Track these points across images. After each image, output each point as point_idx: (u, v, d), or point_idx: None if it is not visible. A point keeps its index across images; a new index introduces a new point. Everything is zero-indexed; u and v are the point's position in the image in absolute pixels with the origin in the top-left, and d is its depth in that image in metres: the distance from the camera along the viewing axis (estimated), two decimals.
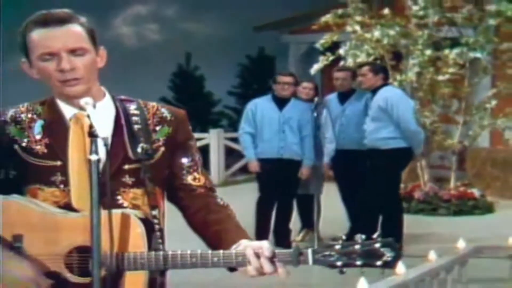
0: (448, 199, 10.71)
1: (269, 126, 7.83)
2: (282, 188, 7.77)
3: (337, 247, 2.18)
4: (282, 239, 7.79)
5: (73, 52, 2.23)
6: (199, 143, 10.06)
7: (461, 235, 5.58)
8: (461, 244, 5.41)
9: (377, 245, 2.17)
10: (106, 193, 2.11)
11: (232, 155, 15.14)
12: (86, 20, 2.30)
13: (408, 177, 11.06)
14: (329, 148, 8.04)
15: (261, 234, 7.25)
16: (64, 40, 2.22)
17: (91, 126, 2.08)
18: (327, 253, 2.18)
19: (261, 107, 7.95)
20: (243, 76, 31.25)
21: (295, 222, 8.34)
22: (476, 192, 10.98)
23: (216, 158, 14.48)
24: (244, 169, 13.07)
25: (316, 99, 7.89)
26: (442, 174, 11.86)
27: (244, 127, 7.98)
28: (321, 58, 11.45)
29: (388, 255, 2.16)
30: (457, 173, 11.49)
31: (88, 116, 2.12)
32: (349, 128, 7.96)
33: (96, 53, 2.30)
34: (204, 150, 13.79)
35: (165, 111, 2.41)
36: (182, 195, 2.41)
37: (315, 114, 7.67)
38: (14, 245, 2.23)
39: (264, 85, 21.61)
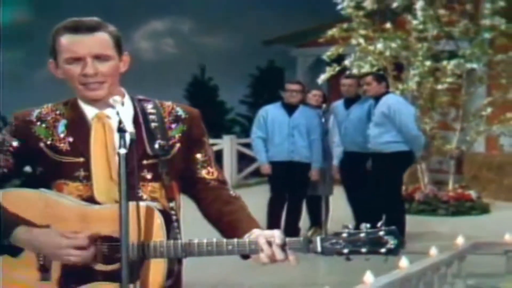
0: (447, 200, 10.67)
1: (280, 131, 7.84)
2: (292, 189, 7.77)
3: (344, 235, 2.19)
4: (292, 237, 7.75)
5: (97, 58, 2.24)
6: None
7: (459, 233, 5.57)
8: (460, 241, 5.41)
9: (381, 233, 2.18)
10: (133, 184, 2.14)
11: (244, 159, 15.14)
12: (115, 29, 2.31)
13: (409, 180, 11.05)
14: (337, 152, 8.05)
15: None
16: (90, 46, 2.24)
17: (120, 122, 2.09)
18: (334, 241, 2.18)
19: (271, 113, 7.96)
20: (254, 86, 31.29)
21: (303, 221, 8.33)
22: (473, 194, 10.93)
23: (229, 162, 14.49)
24: (256, 173, 13.07)
25: (324, 106, 7.91)
26: (441, 178, 11.83)
27: (256, 132, 7.99)
28: (328, 68, 11.55)
29: (391, 242, 2.17)
30: (455, 176, 11.47)
31: (118, 113, 2.13)
32: (352, 131, 7.96)
33: (119, 59, 2.31)
34: (218, 155, 13.79)
35: (179, 110, 2.42)
36: (197, 188, 2.42)
37: (323, 120, 7.70)
38: None
39: (274, 95, 21.63)
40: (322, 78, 11.61)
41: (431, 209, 10.57)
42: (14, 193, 2.30)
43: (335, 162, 8.12)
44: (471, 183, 11.91)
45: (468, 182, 11.92)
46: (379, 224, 2.20)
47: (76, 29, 2.25)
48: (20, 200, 2.27)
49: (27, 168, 2.38)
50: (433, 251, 4.98)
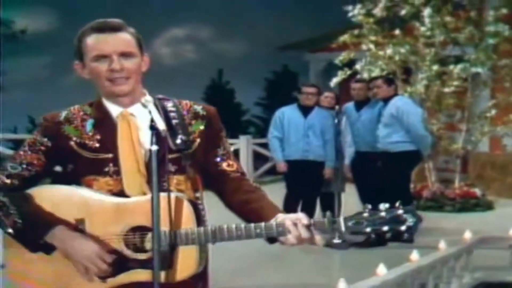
0: (453, 197, 10.62)
1: (295, 131, 7.82)
2: (307, 187, 7.75)
3: (365, 215, 2.19)
4: None
5: (122, 55, 2.28)
6: None
7: (465, 229, 5.55)
8: (467, 235, 5.39)
9: (400, 211, 2.18)
10: (160, 178, 2.14)
11: (259, 158, 15.15)
12: (135, 30, 2.35)
13: (417, 178, 11.02)
14: (349, 151, 8.02)
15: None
16: (116, 44, 2.28)
17: (152, 120, 2.12)
18: (356, 220, 2.18)
19: (288, 114, 7.95)
20: (269, 89, 31.34)
21: (316, 216, 8.32)
22: (478, 191, 10.88)
23: (245, 161, 14.48)
24: (270, 171, 13.06)
25: (336, 107, 7.90)
26: (447, 176, 11.77)
27: (272, 132, 7.98)
28: (340, 72, 11.56)
29: (410, 220, 2.17)
30: (460, 175, 11.41)
31: (150, 112, 2.15)
32: (363, 132, 7.93)
33: (141, 58, 2.34)
34: (235, 155, 13.75)
35: (198, 108, 2.44)
36: (219, 180, 2.42)
37: (336, 121, 7.69)
38: (78, 227, 2.26)
39: (287, 97, 21.64)
40: (334, 81, 11.64)
41: (438, 206, 10.52)
42: (48, 190, 2.31)
43: (347, 161, 8.09)
44: (475, 181, 11.86)
45: (473, 181, 11.86)
46: (396, 204, 2.19)
47: (101, 29, 2.29)
48: (54, 196, 2.28)
49: (57, 168, 2.40)
50: (442, 245, 4.97)
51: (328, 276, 5.80)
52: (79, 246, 2.22)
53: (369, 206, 2.19)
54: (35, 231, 2.23)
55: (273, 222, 2.21)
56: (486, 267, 5.53)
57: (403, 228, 2.17)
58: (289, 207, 7.73)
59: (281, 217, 2.23)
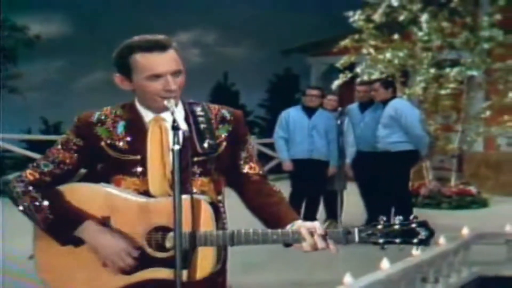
0: (450, 195, 10.63)
1: (300, 131, 7.82)
2: (311, 185, 7.75)
3: (379, 227, 2.19)
4: None
5: (174, 74, 2.25)
6: None
7: (461, 225, 5.55)
8: (465, 231, 5.39)
9: (414, 225, 2.17)
10: (185, 179, 2.15)
11: (263, 158, 15.15)
12: (175, 44, 2.31)
13: (415, 177, 11.00)
14: (350, 151, 8.00)
15: None
16: (169, 65, 2.24)
17: (174, 121, 2.12)
18: (370, 232, 2.19)
19: (293, 115, 7.96)
20: (272, 91, 31.35)
21: (319, 214, 8.31)
22: (473, 189, 10.89)
23: None
24: (274, 170, 13.05)
25: (339, 109, 7.91)
26: (443, 175, 11.78)
27: (278, 132, 7.98)
28: (341, 75, 11.57)
29: (423, 234, 2.16)
30: (455, 173, 11.42)
31: (172, 113, 2.16)
32: (367, 133, 7.91)
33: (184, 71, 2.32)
34: None
35: (225, 112, 2.42)
36: (241, 182, 2.42)
37: (338, 122, 7.69)
38: (105, 224, 2.27)
39: (290, 99, 21.67)
40: (335, 84, 11.64)
41: (435, 203, 10.52)
42: (77, 186, 2.32)
43: (348, 160, 8.08)
44: (470, 179, 11.86)
45: (468, 179, 11.86)
46: (411, 217, 2.19)
47: (151, 48, 2.24)
48: (83, 193, 2.30)
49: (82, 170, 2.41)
50: (442, 240, 4.97)
51: (332, 270, 5.80)
52: (107, 241, 2.23)
53: (384, 218, 2.19)
54: (66, 225, 2.25)
55: (289, 229, 2.22)
56: (483, 262, 5.54)
57: (415, 241, 2.17)
58: (293, 205, 7.71)
59: (297, 224, 2.24)
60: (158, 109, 2.30)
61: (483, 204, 10.73)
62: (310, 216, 7.88)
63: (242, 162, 2.41)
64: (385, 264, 4.10)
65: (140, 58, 2.25)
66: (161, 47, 2.25)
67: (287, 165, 7.86)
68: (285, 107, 8.31)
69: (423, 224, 2.17)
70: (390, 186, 7.48)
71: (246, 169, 2.42)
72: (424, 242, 2.17)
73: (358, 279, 3.82)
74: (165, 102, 2.21)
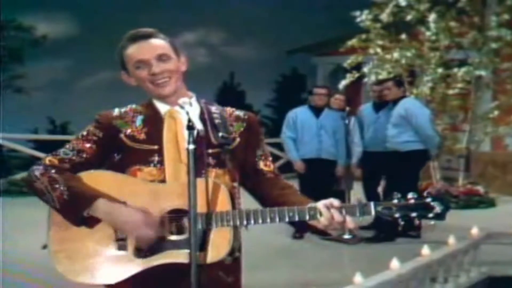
0: (457, 195, 10.58)
1: (308, 131, 7.81)
2: (320, 184, 7.73)
3: (395, 201, 2.19)
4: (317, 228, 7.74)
5: (160, 59, 2.36)
6: None
7: (469, 225, 5.55)
8: (474, 231, 5.38)
9: (429, 199, 2.18)
10: (200, 169, 2.19)
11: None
12: (165, 36, 2.42)
13: (422, 176, 10.99)
14: (357, 151, 7.98)
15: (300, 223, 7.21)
16: (152, 50, 2.36)
17: (189, 121, 2.17)
18: (386, 206, 2.19)
19: (300, 115, 7.94)
20: (278, 91, 31.38)
21: None
22: (481, 189, 10.86)
23: None
24: (280, 169, 12.99)
25: (347, 108, 7.89)
26: (450, 174, 11.75)
27: (286, 132, 7.96)
28: (348, 75, 11.57)
29: (438, 208, 2.17)
30: (463, 173, 11.41)
31: (187, 113, 2.21)
32: (381, 133, 7.88)
33: (178, 60, 2.42)
34: None
35: (239, 112, 2.51)
36: (256, 178, 2.46)
37: (346, 122, 7.68)
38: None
39: (296, 99, 21.67)
40: (342, 83, 11.65)
41: None
42: (95, 173, 2.36)
43: (354, 160, 8.06)
44: (478, 179, 11.83)
45: (475, 179, 11.84)
46: (425, 193, 2.20)
47: (135, 38, 2.38)
48: (100, 178, 2.33)
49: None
50: (452, 240, 4.97)
51: (341, 270, 5.80)
52: (126, 212, 2.24)
53: (398, 194, 2.20)
54: (80, 203, 2.26)
55: (306, 206, 2.24)
56: (492, 262, 5.52)
57: (430, 215, 2.17)
58: None
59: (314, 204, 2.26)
60: (169, 100, 2.38)
61: (490, 204, 10.69)
62: None
63: (257, 159, 2.47)
64: (394, 263, 4.10)
65: (128, 50, 2.38)
66: (145, 36, 2.38)
67: (299, 165, 7.82)
68: (291, 107, 8.29)
69: (439, 199, 2.18)
70: (399, 186, 7.44)
71: (261, 166, 2.47)
72: (440, 216, 2.16)
73: (368, 279, 3.81)
74: (179, 101, 2.27)
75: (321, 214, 2.20)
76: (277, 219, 2.21)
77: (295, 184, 7.83)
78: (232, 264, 2.38)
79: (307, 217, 2.22)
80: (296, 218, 2.22)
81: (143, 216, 2.24)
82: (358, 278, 3.69)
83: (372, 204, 2.19)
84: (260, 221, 2.22)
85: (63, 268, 2.29)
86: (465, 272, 5.05)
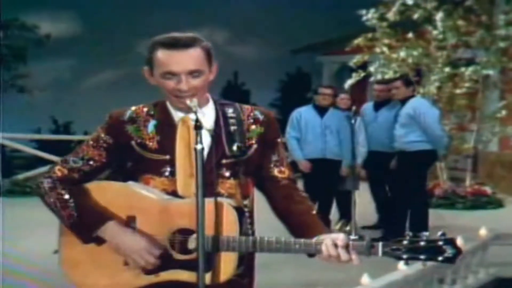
0: (464, 195, 10.56)
1: (313, 131, 7.80)
2: (324, 185, 7.72)
3: (405, 242, 2.12)
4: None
5: (191, 73, 2.24)
6: None
7: (477, 226, 5.53)
8: (483, 232, 5.36)
9: (440, 242, 2.10)
10: (212, 181, 2.17)
11: None
12: (207, 43, 2.30)
13: (429, 177, 10.96)
14: (362, 151, 7.96)
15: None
16: (186, 63, 2.23)
17: (197, 120, 2.11)
18: (395, 247, 2.13)
19: (304, 115, 7.93)
20: (283, 91, 31.39)
21: (332, 214, 8.29)
22: (488, 189, 10.83)
23: None
24: None
25: (353, 108, 7.87)
26: (457, 175, 11.72)
27: (290, 132, 7.94)
28: (354, 74, 11.55)
29: (449, 252, 2.09)
30: (470, 173, 11.38)
31: (195, 112, 2.15)
32: (379, 132, 7.87)
33: (210, 70, 2.31)
34: None
35: (258, 113, 2.40)
36: (269, 185, 2.40)
37: (352, 121, 7.65)
38: (129, 224, 2.28)
39: (301, 98, 21.64)
40: (348, 83, 11.62)
41: (449, 203, 10.43)
42: (105, 184, 2.34)
43: (359, 160, 8.04)
44: (485, 179, 11.80)
45: (482, 179, 11.80)
46: (439, 234, 2.13)
47: (171, 45, 2.24)
48: (110, 191, 2.31)
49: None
50: (460, 241, 4.94)
51: (348, 271, 5.78)
52: (128, 240, 2.24)
53: (410, 234, 2.13)
54: (89, 225, 2.26)
55: (313, 239, 2.20)
56: (501, 263, 5.51)
57: (440, 258, 2.09)
58: None
59: (323, 237, 2.21)
60: (185, 109, 2.27)
61: (498, 204, 10.66)
62: (322, 216, 7.83)
63: (272, 165, 2.39)
64: (402, 264, 4.08)
65: (160, 54, 2.25)
66: (183, 45, 2.24)
67: (304, 165, 7.80)
68: (296, 107, 8.28)
69: (450, 242, 2.09)
70: (406, 187, 7.42)
71: (275, 172, 2.39)
72: (450, 260, 2.09)
73: (376, 280, 3.81)
74: (188, 102, 2.20)
75: (327, 251, 2.16)
76: (283, 250, 2.18)
77: (299, 184, 7.90)
78: (244, 271, 2.34)
79: (313, 251, 2.20)
80: (302, 251, 2.20)
81: (146, 243, 2.23)
82: (365, 279, 3.68)
83: (380, 245, 2.13)
84: (265, 250, 2.19)
85: (72, 274, 2.32)
86: (473, 273, 5.04)
